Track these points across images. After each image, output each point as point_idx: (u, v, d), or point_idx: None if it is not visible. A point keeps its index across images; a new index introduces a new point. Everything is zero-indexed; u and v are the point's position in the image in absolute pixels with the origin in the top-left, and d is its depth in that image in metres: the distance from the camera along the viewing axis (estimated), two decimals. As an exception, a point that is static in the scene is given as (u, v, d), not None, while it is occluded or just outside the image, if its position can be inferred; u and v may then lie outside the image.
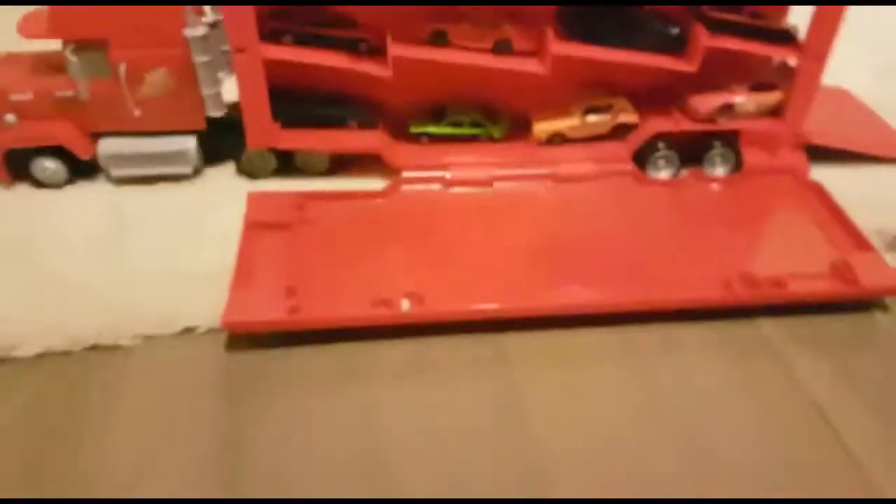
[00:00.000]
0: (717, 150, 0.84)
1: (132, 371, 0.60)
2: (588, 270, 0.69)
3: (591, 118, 0.85)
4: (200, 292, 0.65)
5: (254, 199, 0.74)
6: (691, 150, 0.84)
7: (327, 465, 0.53)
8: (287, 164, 0.82)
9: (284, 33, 0.77)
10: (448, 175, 0.81)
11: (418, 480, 0.52)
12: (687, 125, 0.83)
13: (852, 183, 0.84)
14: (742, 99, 0.84)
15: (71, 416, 0.56)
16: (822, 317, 0.67)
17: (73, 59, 0.74)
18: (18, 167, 0.79)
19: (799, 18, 0.82)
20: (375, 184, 0.81)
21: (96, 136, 0.79)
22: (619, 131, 0.85)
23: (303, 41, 0.77)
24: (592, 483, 0.52)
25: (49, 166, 0.79)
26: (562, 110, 0.86)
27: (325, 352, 0.62)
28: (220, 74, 0.79)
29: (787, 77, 0.83)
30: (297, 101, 0.81)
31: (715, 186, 0.84)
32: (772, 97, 0.85)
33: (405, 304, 0.63)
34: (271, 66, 0.75)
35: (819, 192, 0.81)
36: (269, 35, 0.75)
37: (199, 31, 0.74)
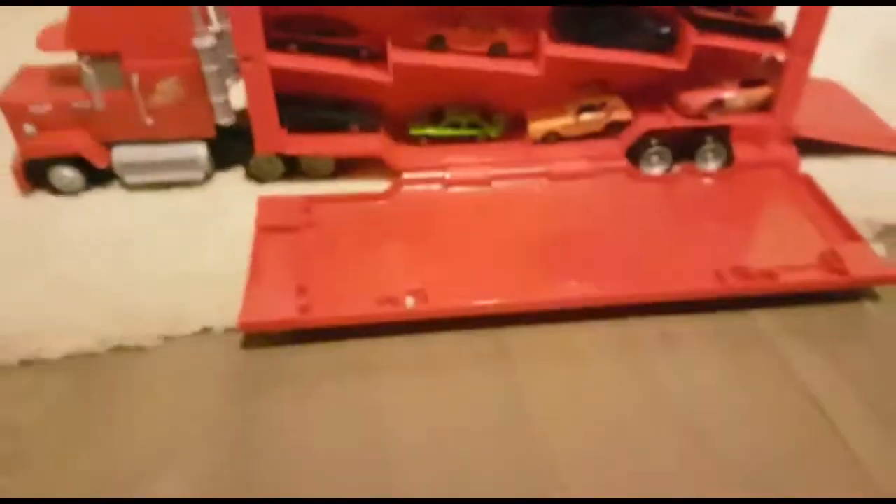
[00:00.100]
0: (709, 145, 0.85)
1: (154, 370, 0.62)
2: (585, 265, 0.70)
3: (585, 116, 0.86)
4: (216, 293, 0.67)
5: (264, 204, 0.76)
6: (683, 146, 0.85)
7: (335, 454, 0.55)
8: (293, 168, 0.84)
9: (289, 42, 0.78)
10: (447, 175, 0.82)
11: (421, 474, 0.54)
12: (679, 121, 0.84)
13: (842, 174, 0.85)
14: (732, 95, 0.84)
15: (95, 414, 0.58)
16: (814, 307, 0.68)
17: (88, 70, 0.76)
18: (37, 175, 0.81)
19: (786, 15, 0.82)
20: (378, 185, 0.82)
21: (110, 144, 0.81)
22: (613, 129, 0.86)
23: (307, 49, 0.79)
24: (593, 481, 0.53)
25: (67, 174, 0.81)
26: (556, 109, 0.87)
27: (334, 348, 0.63)
28: (228, 81, 0.80)
29: (776, 72, 0.84)
30: (301, 107, 0.82)
31: (707, 181, 0.84)
32: (761, 92, 0.85)
33: (409, 302, 0.65)
34: (276, 74, 0.77)
35: (809, 184, 0.82)
36: (274, 44, 0.77)
37: (208, 41, 0.76)
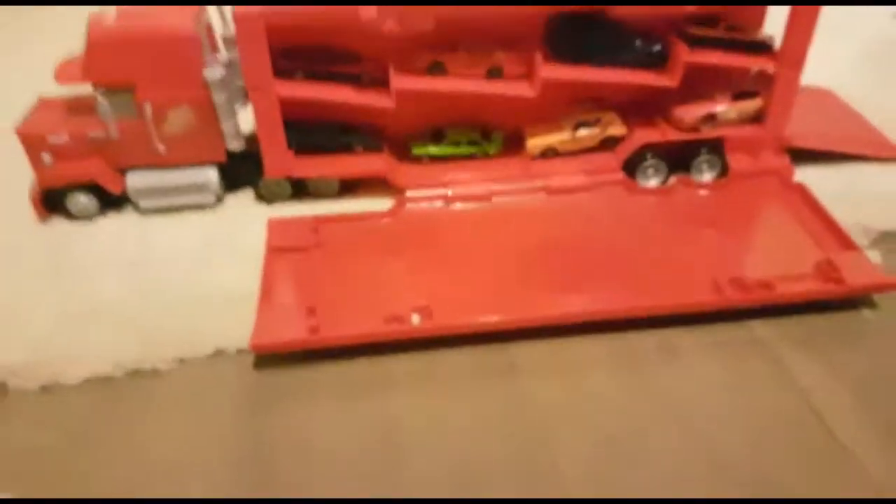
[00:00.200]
0: (704, 156, 0.85)
1: (169, 392, 0.63)
2: (585, 279, 0.71)
3: (581, 132, 0.87)
4: (228, 314, 0.68)
5: (273, 226, 0.77)
6: (679, 158, 0.85)
7: (346, 469, 0.56)
8: (301, 188, 0.85)
9: (295, 70, 0.79)
10: (449, 192, 0.83)
11: (430, 487, 0.54)
12: (673, 135, 0.85)
13: (834, 180, 0.85)
14: (724, 108, 0.85)
15: (113, 437, 0.59)
16: (812, 316, 0.68)
17: (103, 101, 0.78)
18: (53, 203, 0.83)
19: (773, 27, 0.83)
20: (383, 202, 0.83)
21: (124, 170, 0.83)
22: (608, 143, 0.87)
23: (312, 76, 0.80)
24: (595, 486, 0.54)
25: (82, 200, 0.82)
26: (553, 125, 0.88)
27: (344, 365, 0.64)
28: (237, 106, 0.82)
29: (767, 83, 0.84)
30: (307, 131, 0.83)
31: (703, 192, 0.85)
32: (752, 104, 0.86)
33: (415, 319, 0.65)
34: (283, 100, 0.78)
35: (803, 193, 0.82)
36: (281, 73, 0.78)
37: (218, 73, 0.77)
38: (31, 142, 0.80)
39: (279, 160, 0.82)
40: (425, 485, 0.54)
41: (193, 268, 0.75)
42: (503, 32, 0.81)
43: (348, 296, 0.69)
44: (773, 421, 0.59)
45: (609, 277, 0.71)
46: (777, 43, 0.82)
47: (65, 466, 0.57)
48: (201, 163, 0.83)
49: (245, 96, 0.80)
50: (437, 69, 0.81)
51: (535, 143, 0.87)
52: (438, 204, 0.83)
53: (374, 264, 0.74)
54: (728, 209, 0.82)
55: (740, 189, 0.84)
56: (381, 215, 0.81)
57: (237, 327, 0.65)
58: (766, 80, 0.84)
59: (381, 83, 0.80)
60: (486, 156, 0.88)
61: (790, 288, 0.68)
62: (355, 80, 0.81)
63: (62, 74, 0.79)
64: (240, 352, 0.65)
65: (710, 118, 0.85)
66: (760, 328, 0.67)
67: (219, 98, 0.78)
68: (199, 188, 0.83)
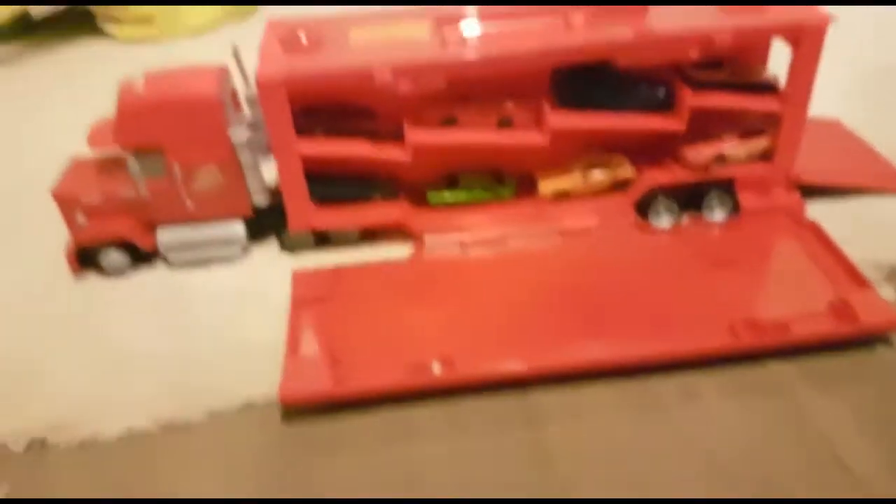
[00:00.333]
0: (714, 195, 0.86)
1: (200, 445, 0.64)
2: (603, 324, 0.72)
3: (591, 176, 0.88)
4: (256, 366, 0.70)
5: (298, 278, 0.79)
6: (690, 198, 0.86)
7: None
8: (323, 237, 0.88)
9: (315, 128, 0.83)
10: (465, 237, 0.85)
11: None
12: (683, 175, 0.86)
13: (845, 215, 0.85)
14: (732, 147, 0.86)
15: (148, 489, 0.61)
16: (828, 355, 0.68)
17: (133, 163, 0.82)
18: (86, 259, 0.86)
19: (777, 66, 0.85)
20: (401, 247, 0.85)
21: (154, 226, 0.86)
22: (620, 184, 0.88)
23: (331, 132, 0.83)
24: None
25: (115, 257, 0.86)
26: (564, 169, 0.89)
27: (368, 415, 0.66)
28: (261, 161, 0.85)
29: (774, 121, 0.85)
30: (328, 183, 0.86)
31: (715, 232, 0.85)
32: (760, 143, 0.87)
33: (436, 368, 0.67)
34: (305, 157, 0.81)
35: (816, 231, 0.82)
36: (302, 130, 0.81)
37: (243, 135, 0.81)
38: (66, 203, 0.84)
39: (302, 214, 0.85)
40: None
41: (222, 320, 0.77)
42: (512, 84, 0.84)
43: (371, 344, 0.71)
44: (796, 465, 0.59)
45: (627, 322, 0.71)
46: (781, 82, 0.84)
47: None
48: (228, 217, 0.86)
49: (268, 150, 0.83)
50: (449, 122, 0.84)
51: (546, 186, 0.89)
52: (455, 249, 0.84)
53: (395, 312, 0.75)
54: (741, 248, 0.82)
55: (752, 227, 0.84)
56: (400, 264, 0.83)
57: (265, 379, 0.67)
58: (773, 118, 0.85)
59: (397, 137, 0.83)
60: (500, 200, 0.90)
61: (805, 329, 0.68)
62: (372, 136, 0.84)
63: (95, 139, 0.83)
64: (268, 404, 0.67)
65: (720, 158, 0.86)
66: (777, 367, 0.67)
67: (244, 157, 0.82)
68: (227, 242, 0.86)
